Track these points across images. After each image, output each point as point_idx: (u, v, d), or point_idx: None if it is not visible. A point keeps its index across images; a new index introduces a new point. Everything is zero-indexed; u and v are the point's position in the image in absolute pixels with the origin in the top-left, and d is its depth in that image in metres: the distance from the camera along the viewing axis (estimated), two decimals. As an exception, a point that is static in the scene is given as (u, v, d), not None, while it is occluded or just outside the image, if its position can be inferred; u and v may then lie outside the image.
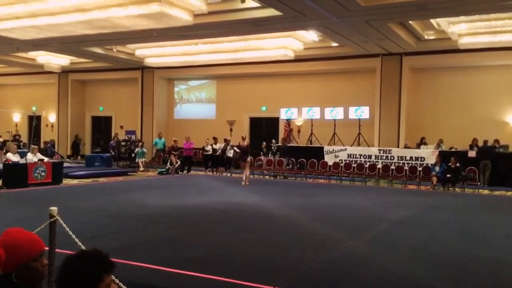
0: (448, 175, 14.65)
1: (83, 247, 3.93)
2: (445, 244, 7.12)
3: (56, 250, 4.31)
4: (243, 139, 15.51)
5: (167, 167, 18.89)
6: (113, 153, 20.82)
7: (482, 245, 7.15)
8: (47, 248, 3.18)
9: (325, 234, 7.52)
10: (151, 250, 6.38)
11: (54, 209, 4.09)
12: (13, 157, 13.45)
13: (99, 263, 1.76)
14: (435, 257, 6.27)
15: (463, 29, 14.74)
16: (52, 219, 4.03)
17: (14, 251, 1.95)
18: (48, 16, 13.25)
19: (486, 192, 14.80)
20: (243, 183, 14.78)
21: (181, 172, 18.90)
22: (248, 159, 15.44)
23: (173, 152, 19.04)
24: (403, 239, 7.32)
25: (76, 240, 3.99)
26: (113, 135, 23.47)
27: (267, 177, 18.30)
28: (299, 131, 20.73)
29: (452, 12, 12.94)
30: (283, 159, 18.08)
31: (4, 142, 19.97)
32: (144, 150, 20.81)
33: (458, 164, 14.67)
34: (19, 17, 13.70)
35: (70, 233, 3.99)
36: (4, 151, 18.31)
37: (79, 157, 23.36)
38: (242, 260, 5.99)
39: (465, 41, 15.25)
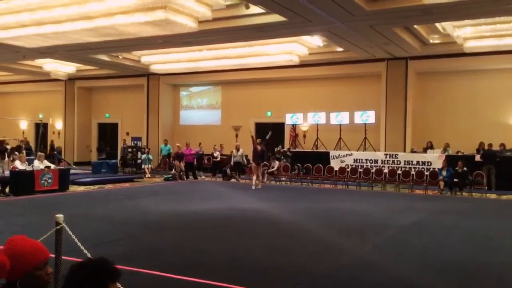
0: (455, 180, 14.56)
1: (89, 255, 3.93)
2: (453, 249, 7.05)
3: (62, 257, 4.31)
4: (259, 143, 15.82)
5: (172, 173, 18.91)
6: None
7: (490, 250, 7.08)
8: (52, 255, 3.18)
9: (332, 240, 7.47)
10: (157, 257, 6.36)
11: (60, 216, 4.10)
12: (20, 165, 13.50)
13: (104, 272, 1.76)
14: (443, 262, 6.20)
15: (468, 33, 14.68)
16: (58, 227, 4.02)
17: (18, 259, 1.94)
18: (54, 24, 13.33)
19: (493, 196, 14.68)
20: (253, 187, 15.05)
21: (186, 178, 18.89)
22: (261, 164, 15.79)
23: (177, 158, 19.04)
24: (411, 245, 7.27)
25: (82, 247, 3.98)
26: (119, 141, 23.57)
27: (273, 182, 18.25)
28: (304, 136, 20.70)
29: (457, 16, 12.89)
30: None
31: (12, 149, 20.06)
32: (150, 156, 20.86)
33: (465, 168, 14.58)
34: (25, 25, 13.80)
35: (76, 240, 3.99)
36: (11, 159, 18.40)
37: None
38: (249, 267, 5.96)
39: (470, 45, 15.19)
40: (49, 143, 24.03)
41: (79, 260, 1.83)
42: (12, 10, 13.23)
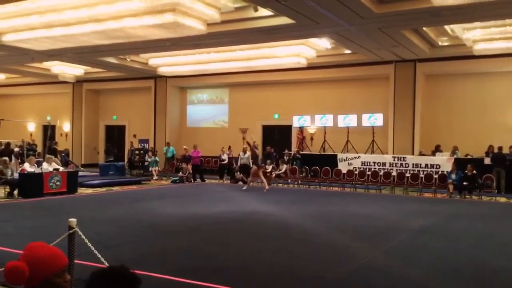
0: (464, 183, 14.45)
1: (102, 259, 3.91)
2: (465, 254, 6.99)
3: (74, 261, 4.30)
4: (255, 147, 16.03)
5: (180, 176, 18.93)
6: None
7: (503, 255, 7.00)
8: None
9: (342, 244, 7.42)
10: (167, 260, 6.34)
11: (73, 220, 4.08)
12: (28, 167, 13.55)
13: (125, 280, 1.74)
14: (456, 267, 6.14)
15: (477, 35, 14.59)
16: (71, 231, 4.01)
17: (37, 266, 1.92)
18: (63, 27, 13.41)
19: (503, 199, 14.57)
20: (265, 190, 15.28)
21: (194, 181, 18.88)
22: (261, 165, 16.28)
23: (184, 161, 19.04)
24: (423, 249, 7.19)
25: (95, 252, 3.97)
26: (126, 143, 23.65)
27: (280, 185, 18.21)
28: (312, 139, 20.64)
29: (467, 18, 12.81)
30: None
31: (19, 152, 20.15)
32: (157, 158, 20.90)
33: (474, 172, 14.46)
34: (34, 28, 13.88)
35: (89, 244, 3.97)
36: (20, 161, 18.49)
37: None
38: (259, 271, 5.92)
39: (480, 47, 15.09)
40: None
41: (96, 265, 1.81)
42: (21, 13, 13.32)
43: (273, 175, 17.46)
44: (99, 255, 3.91)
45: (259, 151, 15.92)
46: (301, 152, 19.42)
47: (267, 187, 15.45)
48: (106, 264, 3.79)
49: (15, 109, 28.25)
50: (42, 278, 1.93)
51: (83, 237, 4.03)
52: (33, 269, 1.91)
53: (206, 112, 23.98)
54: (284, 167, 18.13)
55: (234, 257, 6.61)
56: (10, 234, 7.78)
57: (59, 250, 2.07)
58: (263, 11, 12.73)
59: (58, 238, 4.38)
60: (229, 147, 20.22)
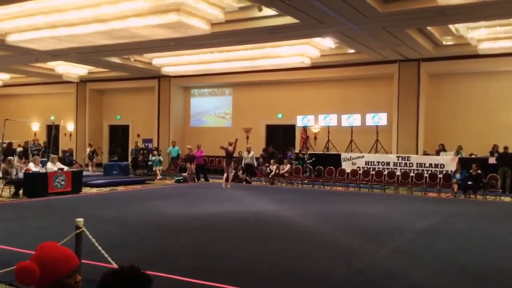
0: (469, 182, 14.41)
1: (109, 259, 3.92)
2: (471, 253, 6.97)
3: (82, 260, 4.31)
4: (230, 144, 16.51)
5: (184, 175, 18.93)
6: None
7: (508, 254, 6.98)
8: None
9: (348, 244, 7.41)
10: (172, 260, 6.34)
11: (80, 220, 4.09)
12: (33, 167, 13.59)
13: (138, 281, 1.75)
14: (462, 267, 6.13)
15: (482, 34, 14.53)
16: (78, 231, 4.02)
17: (48, 267, 1.93)
18: (67, 27, 13.44)
19: (507, 199, 14.53)
20: (223, 186, 15.98)
21: (197, 180, 18.89)
22: (232, 163, 16.81)
23: (188, 160, 19.05)
24: (428, 249, 7.17)
25: (103, 251, 3.98)
26: (130, 143, 23.67)
27: (283, 184, 18.21)
28: (315, 138, 20.63)
29: (471, 17, 12.77)
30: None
31: (21, 152, 20.22)
32: (161, 158, 20.93)
33: (479, 171, 14.43)
34: (39, 28, 13.91)
35: (97, 244, 3.98)
36: (23, 160, 18.55)
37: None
38: (263, 271, 5.92)
39: (484, 46, 15.04)
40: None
41: (103, 264, 1.82)
42: (26, 13, 13.34)
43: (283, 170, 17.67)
44: (106, 255, 3.91)
45: (232, 149, 16.44)
46: (304, 152, 19.38)
47: (228, 185, 15.92)
48: (114, 264, 3.81)
49: (20, 109, 28.32)
50: (53, 279, 1.93)
51: (90, 237, 4.04)
52: (44, 270, 1.92)
53: (208, 104, 23.98)
54: (287, 167, 18.13)
55: (239, 257, 6.61)
56: (16, 233, 7.81)
57: (70, 251, 2.07)
58: (267, 11, 12.73)
59: (64, 238, 4.40)
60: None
